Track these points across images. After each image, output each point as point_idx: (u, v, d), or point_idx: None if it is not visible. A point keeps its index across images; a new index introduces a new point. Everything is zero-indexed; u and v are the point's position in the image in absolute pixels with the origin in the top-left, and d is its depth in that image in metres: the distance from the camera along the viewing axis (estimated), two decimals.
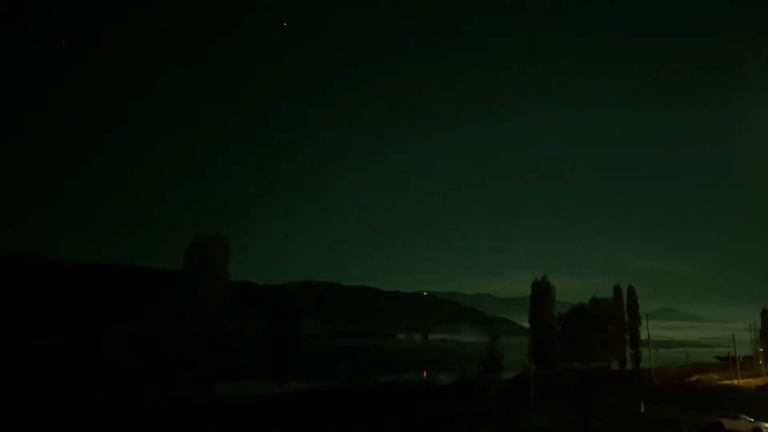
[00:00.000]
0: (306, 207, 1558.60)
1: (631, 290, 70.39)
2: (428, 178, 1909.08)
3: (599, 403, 44.27)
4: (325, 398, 40.09)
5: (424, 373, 78.54)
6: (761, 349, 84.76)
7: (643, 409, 42.62)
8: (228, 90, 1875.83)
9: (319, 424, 35.15)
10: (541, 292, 62.40)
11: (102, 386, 37.10)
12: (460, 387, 45.89)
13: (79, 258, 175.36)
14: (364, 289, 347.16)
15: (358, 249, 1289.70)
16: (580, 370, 62.67)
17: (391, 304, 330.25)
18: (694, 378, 69.35)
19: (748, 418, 38.63)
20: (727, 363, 77.78)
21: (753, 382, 67.04)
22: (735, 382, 66.71)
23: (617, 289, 70.15)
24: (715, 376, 72.11)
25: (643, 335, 69.21)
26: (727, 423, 38.25)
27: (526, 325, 63.15)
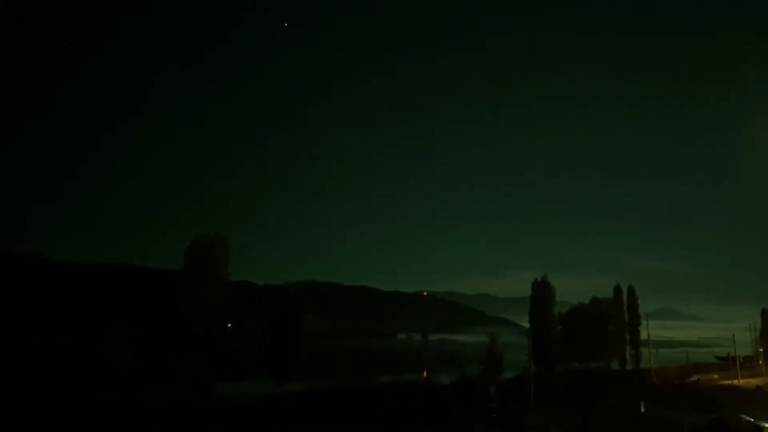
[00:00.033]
0: (306, 207, 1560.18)
1: (631, 290, 70.43)
2: (428, 178, 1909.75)
3: (599, 403, 44.25)
4: (325, 398, 40.11)
5: (424, 373, 78.53)
6: (761, 349, 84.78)
7: (643, 409, 42.56)
8: (228, 90, 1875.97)
9: (319, 424, 35.14)
10: (541, 292, 62.44)
11: (102, 386, 37.11)
12: (460, 387, 45.91)
13: (79, 258, 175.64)
14: (364, 289, 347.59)
15: (358, 249, 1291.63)
16: (580, 370, 62.67)
17: (391, 304, 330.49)
18: (694, 378, 69.35)
19: (748, 417, 38.62)
20: (727, 363, 77.81)
21: (753, 382, 67.03)
22: (735, 382, 66.74)
23: (617, 289, 70.18)
24: (715, 376, 72.11)
25: (643, 335, 69.25)
26: (727, 423, 38.24)
27: (526, 325, 63.19)
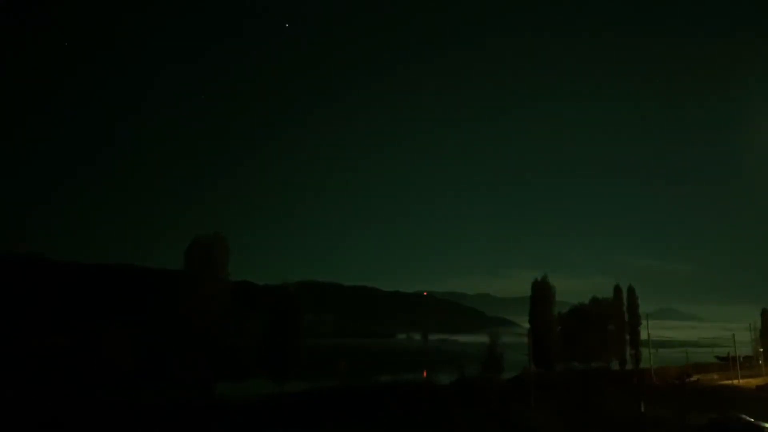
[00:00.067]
0: (306, 207, 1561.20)
1: (631, 290, 70.31)
2: (428, 178, 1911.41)
3: (599, 403, 44.26)
4: (325, 398, 40.08)
5: (424, 373, 78.45)
6: (761, 349, 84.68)
7: (643, 409, 42.64)
8: (228, 90, 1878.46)
9: (319, 424, 35.15)
10: (541, 292, 62.36)
11: (102, 386, 37.07)
12: (460, 387, 45.82)
13: (79, 258, 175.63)
14: (364, 289, 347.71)
15: (358, 249, 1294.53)
16: (580, 370, 62.56)
17: (391, 304, 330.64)
18: (694, 378, 69.15)
19: (748, 417, 38.61)
20: (727, 363, 77.74)
21: (753, 382, 67.02)
22: (735, 382, 66.73)
23: (617, 289, 70.06)
24: (715, 376, 72.01)
25: (643, 335, 69.13)
26: (727, 423, 38.22)
27: (526, 325, 63.08)
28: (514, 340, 79.20)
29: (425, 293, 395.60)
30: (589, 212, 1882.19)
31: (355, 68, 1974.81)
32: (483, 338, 57.07)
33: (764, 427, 37.41)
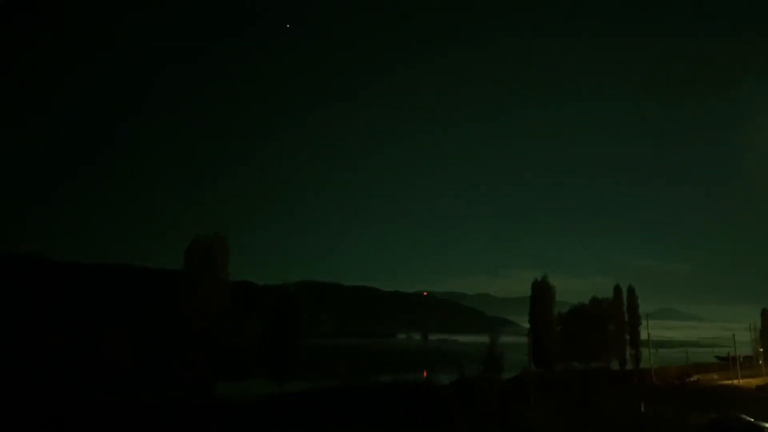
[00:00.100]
0: (306, 207, 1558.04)
1: (631, 290, 70.32)
2: (428, 178, 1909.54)
3: (599, 403, 44.26)
4: (325, 398, 40.08)
5: (424, 373, 78.43)
6: (761, 349, 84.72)
7: (643, 409, 42.67)
8: (228, 90, 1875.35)
9: (319, 424, 35.15)
10: (541, 292, 62.39)
11: (102, 386, 37.08)
12: (460, 387, 45.81)
13: (79, 258, 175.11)
14: (364, 289, 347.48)
15: (358, 249, 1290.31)
16: (580, 370, 62.59)
17: (391, 304, 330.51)
18: (694, 378, 69.18)
19: (748, 417, 38.61)
20: (727, 363, 77.76)
21: (753, 382, 67.04)
22: (735, 382, 66.74)
23: (617, 289, 70.09)
24: (715, 376, 72.04)
25: (643, 335, 69.14)
26: (727, 423, 38.23)
27: (526, 325, 63.12)
28: (514, 340, 79.27)
29: (425, 293, 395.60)
30: (589, 212, 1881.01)
31: (355, 68, 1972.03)
32: (483, 338, 57.00)
33: (764, 427, 37.41)
